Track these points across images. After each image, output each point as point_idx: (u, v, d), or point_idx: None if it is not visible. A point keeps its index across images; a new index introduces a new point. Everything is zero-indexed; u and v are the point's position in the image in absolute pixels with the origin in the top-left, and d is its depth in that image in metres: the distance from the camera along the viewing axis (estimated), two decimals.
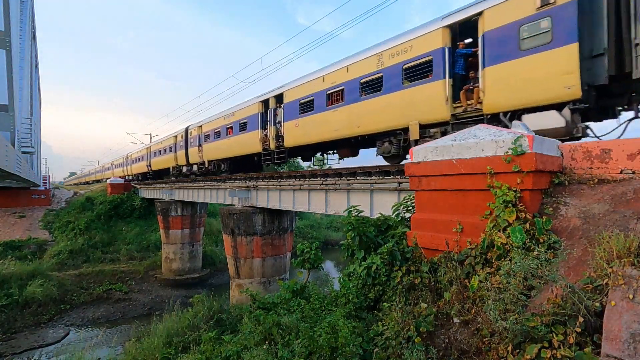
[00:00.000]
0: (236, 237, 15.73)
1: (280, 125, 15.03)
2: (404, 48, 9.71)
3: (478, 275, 4.18)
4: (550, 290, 3.45)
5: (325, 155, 15.20)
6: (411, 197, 6.59)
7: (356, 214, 6.56)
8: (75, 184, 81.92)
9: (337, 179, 11.29)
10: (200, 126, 22.41)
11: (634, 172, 4.61)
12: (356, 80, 11.12)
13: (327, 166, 18.19)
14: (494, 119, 8.05)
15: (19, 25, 16.76)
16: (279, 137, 15.23)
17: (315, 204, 12.43)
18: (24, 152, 18.20)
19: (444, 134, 8.74)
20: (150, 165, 32.72)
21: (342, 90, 11.62)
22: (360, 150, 13.64)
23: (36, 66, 29.32)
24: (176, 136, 25.75)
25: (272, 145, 15.41)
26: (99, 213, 30.63)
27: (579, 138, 7.01)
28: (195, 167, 23.64)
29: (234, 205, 17.10)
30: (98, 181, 56.27)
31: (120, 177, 42.55)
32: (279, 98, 15.35)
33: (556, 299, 3.26)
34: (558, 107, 7.01)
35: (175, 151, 26.06)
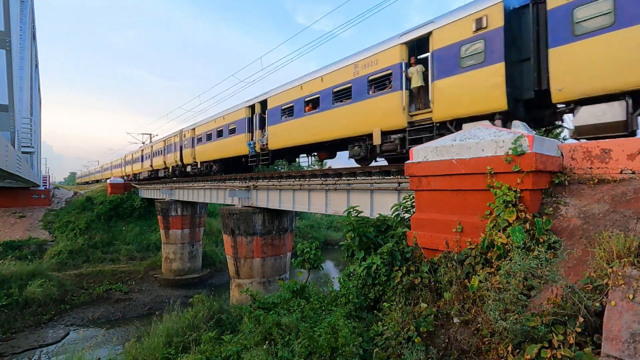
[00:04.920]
0: (236, 237, 15.73)
1: None
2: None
3: (478, 275, 4.18)
4: (550, 290, 3.45)
5: None
6: (410, 197, 6.60)
7: (356, 214, 6.57)
8: (78, 183, 79.76)
9: (337, 179, 11.28)
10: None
11: (634, 172, 4.61)
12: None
13: (327, 166, 18.12)
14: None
15: (19, 25, 16.74)
16: None
17: (315, 204, 12.42)
18: (24, 152, 18.19)
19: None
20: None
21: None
22: None
23: (36, 66, 29.30)
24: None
25: None
26: (99, 213, 30.63)
27: None
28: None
29: (234, 205, 17.09)
30: None
31: (163, 168, 29.73)
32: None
33: (556, 299, 3.26)
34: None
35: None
